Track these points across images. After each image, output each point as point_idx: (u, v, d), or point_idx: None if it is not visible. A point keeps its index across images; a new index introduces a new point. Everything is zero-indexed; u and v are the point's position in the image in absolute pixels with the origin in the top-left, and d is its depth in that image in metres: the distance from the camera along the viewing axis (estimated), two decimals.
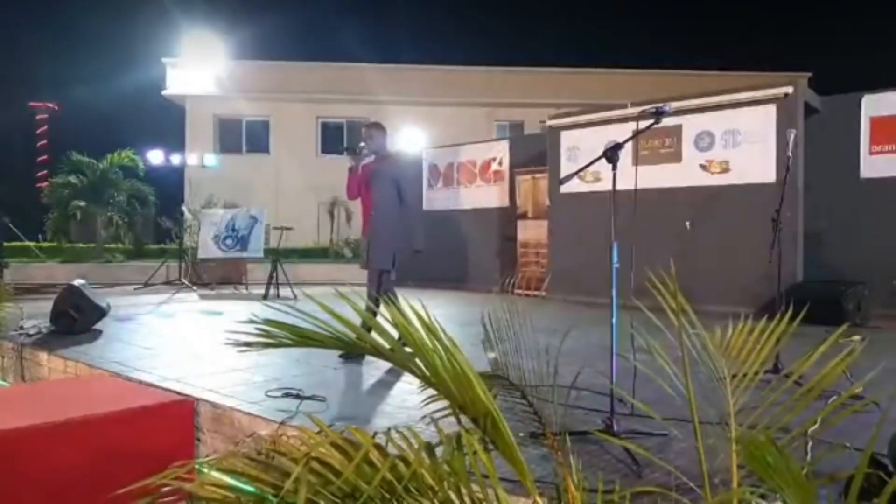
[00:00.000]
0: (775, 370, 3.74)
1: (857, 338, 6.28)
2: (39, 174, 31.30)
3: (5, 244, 12.11)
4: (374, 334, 1.62)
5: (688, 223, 8.27)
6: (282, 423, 3.17)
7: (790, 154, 4.88)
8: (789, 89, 7.81)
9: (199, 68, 21.67)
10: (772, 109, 7.89)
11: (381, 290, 5.25)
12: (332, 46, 33.73)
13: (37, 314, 6.48)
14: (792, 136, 4.85)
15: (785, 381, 1.59)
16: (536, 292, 10.27)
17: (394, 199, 5.41)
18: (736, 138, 8.16)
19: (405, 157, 5.60)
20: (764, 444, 1.28)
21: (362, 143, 5.56)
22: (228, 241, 11.68)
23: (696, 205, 8.33)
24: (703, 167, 8.41)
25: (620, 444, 2.60)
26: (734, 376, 1.65)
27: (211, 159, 14.57)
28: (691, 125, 8.48)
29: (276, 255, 10.43)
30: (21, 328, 6.01)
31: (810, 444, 2.62)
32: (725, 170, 8.24)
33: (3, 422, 2.73)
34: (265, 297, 9.96)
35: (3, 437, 2.63)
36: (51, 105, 36.03)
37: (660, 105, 3.30)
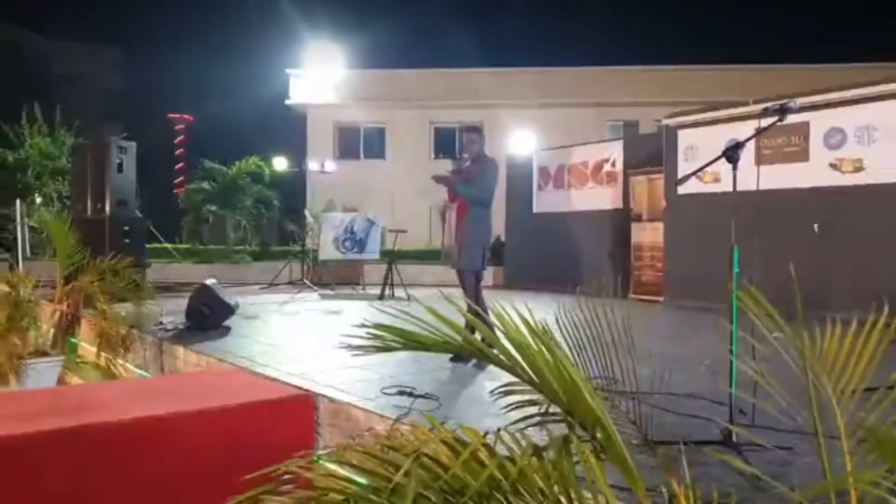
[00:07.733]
0: None
1: None
2: (177, 181, 33.89)
3: (146, 246, 13.14)
4: (477, 335, 1.66)
5: (816, 226, 7.76)
6: (396, 420, 3.26)
7: None
8: None
9: (319, 78, 22.64)
10: None
11: (476, 292, 5.31)
12: (443, 52, 34.32)
13: (174, 311, 6.98)
14: None
15: None
16: (652, 297, 9.96)
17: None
18: (871, 135, 7.57)
19: (497, 161, 5.68)
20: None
21: (466, 154, 5.76)
22: (347, 244, 12.11)
23: (825, 206, 7.79)
24: (833, 166, 7.87)
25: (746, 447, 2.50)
26: (853, 391, 1.55)
27: (331, 165, 15.16)
28: (820, 122, 7.95)
29: (391, 257, 10.71)
30: (160, 323, 6.51)
31: None
32: (859, 168, 7.67)
33: (147, 409, 2.98)
34: (381, 297, 10.25)
35: (146, 423, 2.88)
36: (187, 116, 38.92)
37: (785, 101, 3.15)
